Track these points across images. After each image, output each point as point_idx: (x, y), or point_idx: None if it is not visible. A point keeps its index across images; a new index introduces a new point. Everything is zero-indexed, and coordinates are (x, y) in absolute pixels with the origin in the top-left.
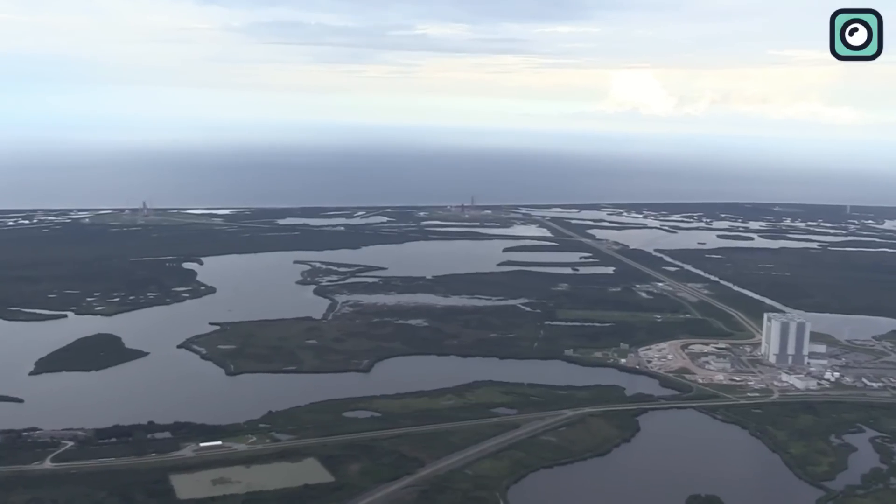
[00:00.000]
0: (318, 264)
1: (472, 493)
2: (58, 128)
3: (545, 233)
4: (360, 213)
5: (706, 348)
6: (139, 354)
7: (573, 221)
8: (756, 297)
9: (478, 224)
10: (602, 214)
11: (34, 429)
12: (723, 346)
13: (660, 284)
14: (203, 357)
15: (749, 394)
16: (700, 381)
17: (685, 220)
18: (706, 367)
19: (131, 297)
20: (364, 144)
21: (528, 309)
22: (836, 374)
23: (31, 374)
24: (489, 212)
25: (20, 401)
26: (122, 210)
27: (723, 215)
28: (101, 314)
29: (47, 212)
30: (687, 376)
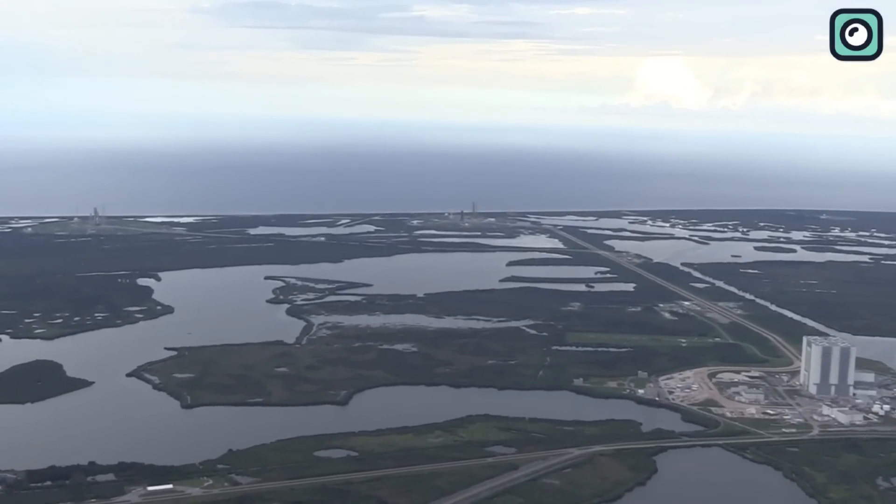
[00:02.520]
0: (292, 280)
1: None
2: None
3: (556, 244)
4: (343, 222)
5: (737, 377)
6: (82, 384)
7: (589, 231)
8: (797, 317)
9: (479, 234)
10: (623, 223)
11: None
12: (756, 374)
13: (686, 303)
14: (156, 387)
15: (785, 429)
16: (729, 414)
17: (718, 229)
18: (736, 398)
19: (76, 319)
20: (351, 142)
21: (533, 332)
22: (886, 407)
23: None
24: (493, 220)
25: None
26: (71, 218)
27: (762, 224)
28: (41, 338)
29: None
30: (714, 409)
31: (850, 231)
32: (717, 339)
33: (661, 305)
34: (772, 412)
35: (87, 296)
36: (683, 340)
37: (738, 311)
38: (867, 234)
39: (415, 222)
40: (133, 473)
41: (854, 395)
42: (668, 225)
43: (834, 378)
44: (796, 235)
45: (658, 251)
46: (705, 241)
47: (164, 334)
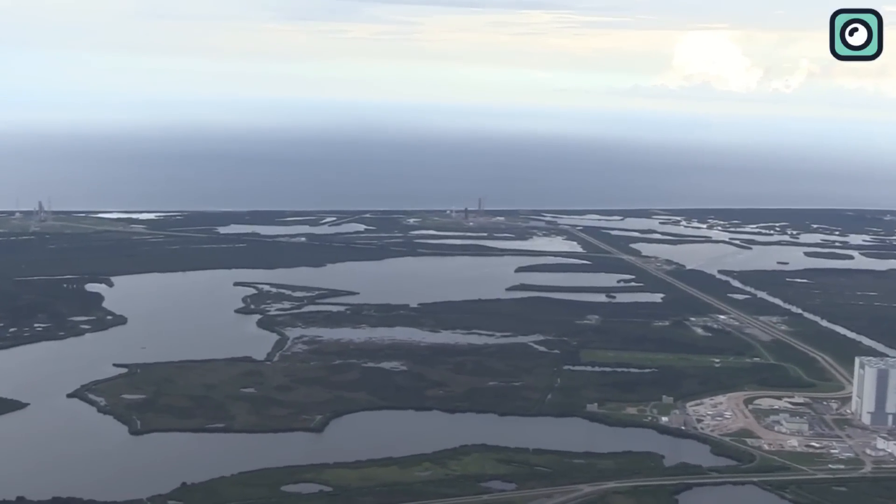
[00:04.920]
0: (266, 287)
1: None
2: None
3: (574, 247)
4: (328, 220)
5: (778, 403)
6: (15, 406)
7: (613, 232)
8: (851, 335)
9: (485, 235)
10: (653, 223)
11: None
12: (800, 400)
13: (722, 317)
14: (101, 410)
15: (831, 465)
16: (766, 447)
17: (763, 231)
18: (776, 428)
19: (12, 330)
20: (341, 128)
21: (542, 349)
22: None
23: None
24: (501, 219)
25: None
26: (11, 213)
27: (815, 226)
28: None
29: None
30: (749, 441)
31: None
32: (756, 359)
33: (693, 319)
34: (817, 445)
35: (26, 303)
36: (717, 360)
37: (783, 327)
38: None
39: (411, 221)
40: None
41: None
42: (704, 226)
43: (891, 406)
44: (854, 239)
45: (692, 256)
46: (747, 245)
47: (113, 349)
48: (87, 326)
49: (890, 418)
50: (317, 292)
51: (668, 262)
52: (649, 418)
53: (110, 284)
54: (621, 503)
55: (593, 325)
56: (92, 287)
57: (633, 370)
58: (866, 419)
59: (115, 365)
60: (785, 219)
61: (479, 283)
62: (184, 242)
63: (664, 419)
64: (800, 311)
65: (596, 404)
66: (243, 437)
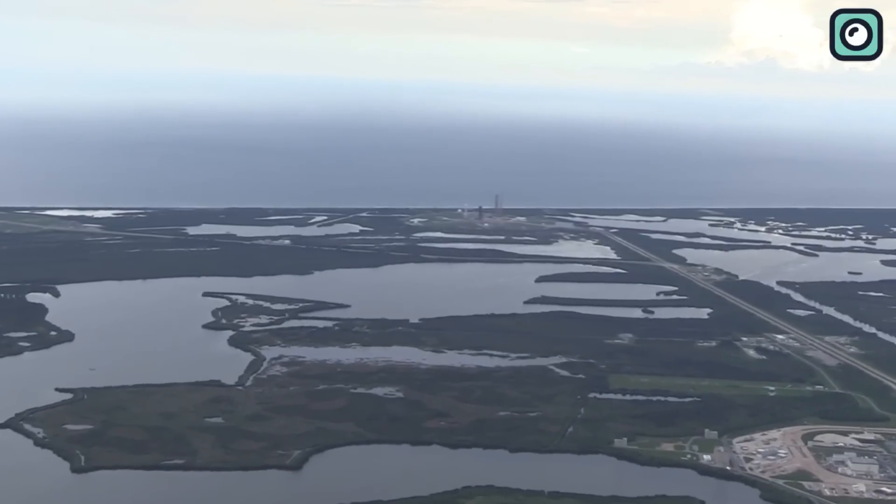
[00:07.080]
0: (240, 298)
1: None
2: None
3: (607, 253)
4: (318, 219)
5: (843, 440)
6: None
7: (654, 236)
8: None
9: (502, 238)
10: (701, 226)
11: None
12: (870, 437)
13: (780, 337)
14: (39, 443)
15: None
16: (828, 492)
17: (833, 235)
18: (840, 470)
19: None
20: (335, 111)
21: (564, 373)
22: None
23: None
24: (522, 219)
25: None
26: None
27: (894, 229)
28: None
29: None
30: (807, 484)
31: None
32: (818, 387)
33: (745, 339)
34: (889, 490)
35: None
36: (771, 388)
37: (852, 349)
38: None
39: (415, 221)
40: None
41: None
42: (763, 229)
43: None
44: None
45: (746, 265)
46: (813, 251)
47: (56, 370)
48: (25, 344)
49: None
50: (300, 305)
51: (718, 271)
52: (689, 456)
53: (56, 294)
54: None
55: (626, 346)
56: (34, 297)
57: (671, 399)
58: None
59: (57, 389)
60: (859, 221)
61: (493, 295)
62: (146, 245)
63: (706, 458)
64: (873, 330)
65: (626, 439)
66: (207, 476)
